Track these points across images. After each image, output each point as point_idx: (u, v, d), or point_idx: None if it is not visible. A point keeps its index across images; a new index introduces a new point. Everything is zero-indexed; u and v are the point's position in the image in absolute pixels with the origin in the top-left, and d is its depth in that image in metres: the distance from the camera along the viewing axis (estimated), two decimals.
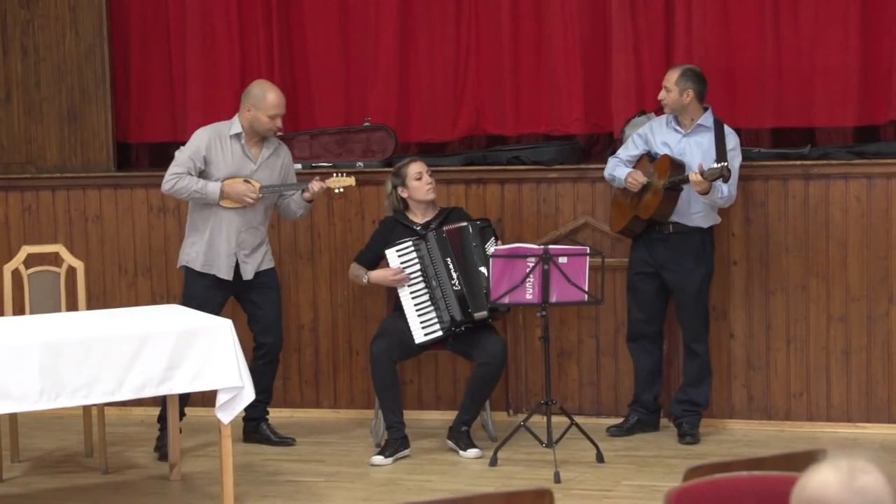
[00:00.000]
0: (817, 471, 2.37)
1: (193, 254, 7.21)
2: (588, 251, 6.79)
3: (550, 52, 8.00)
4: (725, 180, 6.83)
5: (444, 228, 7.17)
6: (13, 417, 7.05)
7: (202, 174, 7.12)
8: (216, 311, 7.07)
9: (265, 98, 7.12)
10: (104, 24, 8.43)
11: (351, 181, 7.28)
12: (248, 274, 7.22)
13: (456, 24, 8.16)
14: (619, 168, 7.24)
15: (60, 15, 8.44)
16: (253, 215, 7.20)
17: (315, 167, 8.06)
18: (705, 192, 6.88)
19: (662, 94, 7.15)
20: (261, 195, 7.13)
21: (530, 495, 3.29)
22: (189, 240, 7.26)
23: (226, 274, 7.17)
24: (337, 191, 7.32)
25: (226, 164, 7.14)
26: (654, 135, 7.25)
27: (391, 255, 7.16)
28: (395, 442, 6.99)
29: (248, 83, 8.30)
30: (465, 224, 7.17)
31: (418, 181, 7.22)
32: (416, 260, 7.15)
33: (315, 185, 7.18)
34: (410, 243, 7.16)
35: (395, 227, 7.28)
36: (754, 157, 7.54)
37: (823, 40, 7.57)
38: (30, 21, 8.49)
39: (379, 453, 6.97)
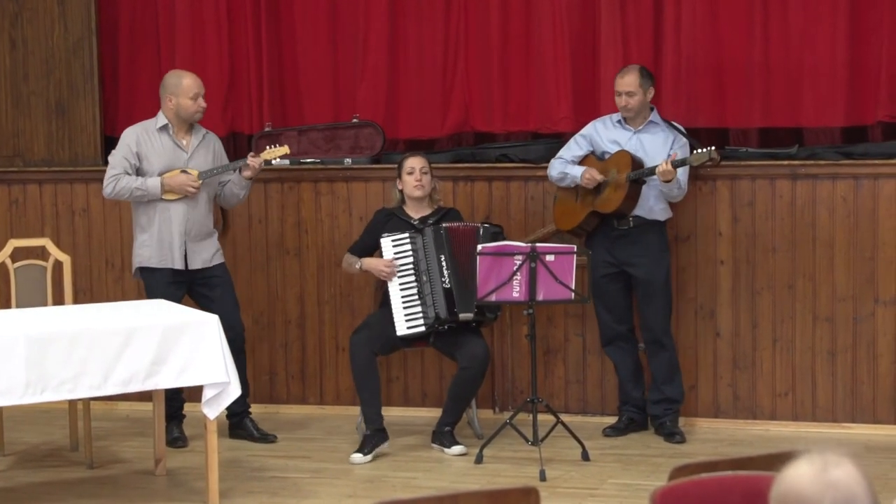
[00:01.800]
0: (792, 466, 2.41)
1: (147, 253, 7.22)
2: (575, 249, 6.78)
3: (539, 50, 8.01)
4: (716, 164, 6.87)
5: (445, 225, 7.16)
6: None
7: (138, 172, 7.16)
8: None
9: (181, 83, 7.19)
10: (93, 17, 8.41)
11: (285, 149, 7.30)
12: (195, 262, 7.23)
13: (445, 21, 8.17)
14: (569, 166, 7.27)
15: (49, 8, 8.43)
16: (198, 204, 7.22)
17: (303, 163, 8.06)
18: (669, 181, 6.90)
19: (625, 101, 7.14)
20: (201, 182, 7.16)
21: (516, 493, 3.29)
22: (138, 241, 7.27)
23: (179, 263, 7.19)
24: (274, 161, 7.39)
25: (158, 158, 7.18)
26: (599, 134, 7.29)
27: (386, 243, 7.16)
28: (373, 436, 6.97)
29: (237, 78, 8.37)
30: (476, 225, 7.16)
31: (409, 175, 7.22)
32: (410, 252, 7.15)
33: (253, 161, 7.20)
34: (407, 235, 7.16)
35: (390, 220, 7.28)
36: (742, 156, 7.55)
37: (812, 40, 7.58)
38: (18, 14, 8.47)
39: (358, 451, 6.95)
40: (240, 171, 7.27)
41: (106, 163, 8.39)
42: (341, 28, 8.34)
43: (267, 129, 8.17)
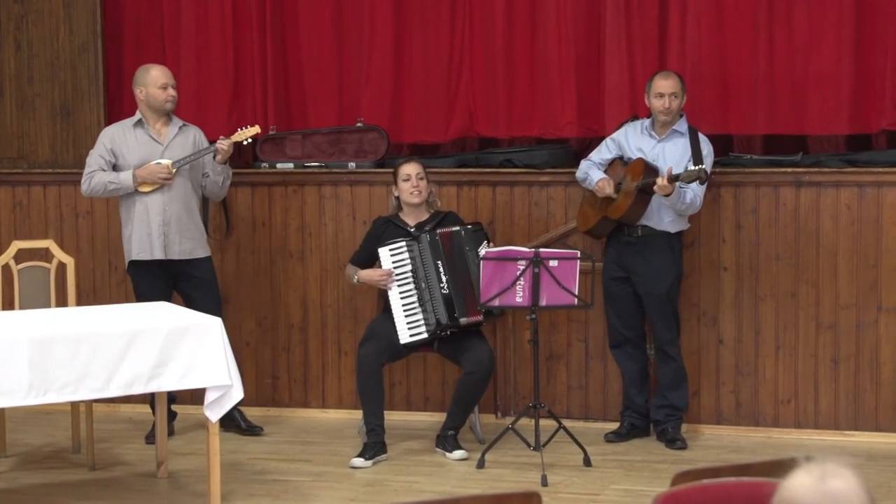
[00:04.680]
0: (792, 475, 2.42)
1: (128, 246, 7.36)
2: (578, 255, 6.79)
3: (544, 55, 8.01)
4: (702, 182, 6.86)
5: (438, 231, 7.17)
6: (1, 412, 7.04)
7: (115, 168, 7.32)
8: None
9: (149, 73, 7.38)
10: (98, 20, 8.43)
11: (256, 129, 7.41)
12: (174, 252, 7.32)
13: (450, 26, 8.17)
14: (592, 170, 7.30)
15: (54, 10, 8.44)
16: (176, 193, 7.31)
17: (307, 167, 8.07)
18: (668, 196, 6.90)
19: (668, 102, 7.11)
20: (174, 170, 7.25)
21: (518, 498, 3.28)
22: (124, 235, 7.41)
23: (159, 252, 7.29)
24: (245, 142, 7.45)
25: (132, 152, 7.31)
26: (628, 140, 7.29)
27: (384, 253, 7.16)
28: (374, 445, 6.99)
29: (242, 81, 8.38)
30: (456, 228, 7.16)
31: (405, 182, 7.22)
32: (408, 260, 7.15)
33: (223, 144, 7.30)
34: (404, 243, 7.16)
35: (387, 228, 7.28)
36: (746, 163, 7.55)
37: (817, 48, 7.58)
38: (23, 16, 8.48)
39: (359, 455, 6.95)
40: (214, 156, 7.34)
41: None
42: (346, 32, 8.35)
43: (272, 133, 8.18)
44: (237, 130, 7.42)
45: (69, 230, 8.37)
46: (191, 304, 7.29)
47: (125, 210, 7.35)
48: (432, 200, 7.36)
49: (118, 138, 7.34)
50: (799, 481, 2.40)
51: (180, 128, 7.42)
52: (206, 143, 7.48)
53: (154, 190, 7.25)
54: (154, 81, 7.32)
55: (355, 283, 7.33)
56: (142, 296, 7.28)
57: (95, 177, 7.27)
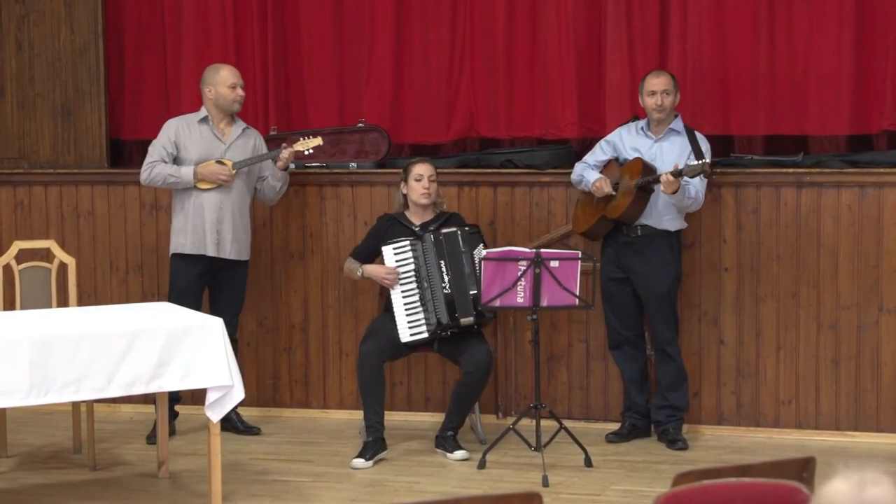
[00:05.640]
0: (830, 482, 2.40)
1: (181, 239, 7.39)
2: (580, 255, 6.79)
3: (545, 56, 8.01)
4: (706, 175, 6.85)
5: (443, 231, 7.17)
6: (2, 413, 7.04)
7: (176, 160, 7.36)
8: (198, 299, 7.34)
9: (219, 73, 7.46)
10: (99, 20, 8.43)
11: (318, 140, 7.49)
12: (226, 251, 7.37)
13: (451, 26, 8.17)
14: (587, 171, 7.29)
15: (56, 10, 8.44)
16: (232, 194, 7.36)
17: (308, 167, 8.07)
18: (674, 193, 6.90)
19: (661, 100, 7.12)
20: (234, 171, 7.30)
21: (519, 498, 3.29)
22: (175, 227, 7.45)
23: (212, 250, 7.33)
24: (307, 152, 7.49)
25: (196, 147, 7.36)
26: (623, 141, 7.29)
27: (387, 252, 7.17)
28: (373, 444, 6.98)
29: (243, 82, 8.36)
30: (454, 229, 7.17)
31: (417, 182, 7.23)
32: (411, 260, 7.15)
33: (285, 152, 7.38)
34: (407, 243, 7.16)
35: (392, 226, 7.29)
36: (747, 164, 7.55)
37: (817, 49, 7.59)
38: (25, 16, 8.48)
39: (359, 456, 6.95)
40: (274, 162, 7.39)
41: (111, 165, 8.48)
42: (347, 32, 8.35)
43: (273, 133, 8.18)
44: (299, 140, 7.46)
45: (70, 230, 8.37)
46: (216, 302, 7.40)
47: (178, 201, 7.41)
48: (439, 202, 7.37)
49: (182, 131, 7.39)
50: (836, 488, 2.38)
51: (244, 130, 7.50)
52: (265, 149, 7.56)
53: (212, 188, 7.31)
54: (223, 81, 7.40)
55: (358, 277, 7.32)
56: (177, 288, 7.33)
57: (156, 168, 7.32)
